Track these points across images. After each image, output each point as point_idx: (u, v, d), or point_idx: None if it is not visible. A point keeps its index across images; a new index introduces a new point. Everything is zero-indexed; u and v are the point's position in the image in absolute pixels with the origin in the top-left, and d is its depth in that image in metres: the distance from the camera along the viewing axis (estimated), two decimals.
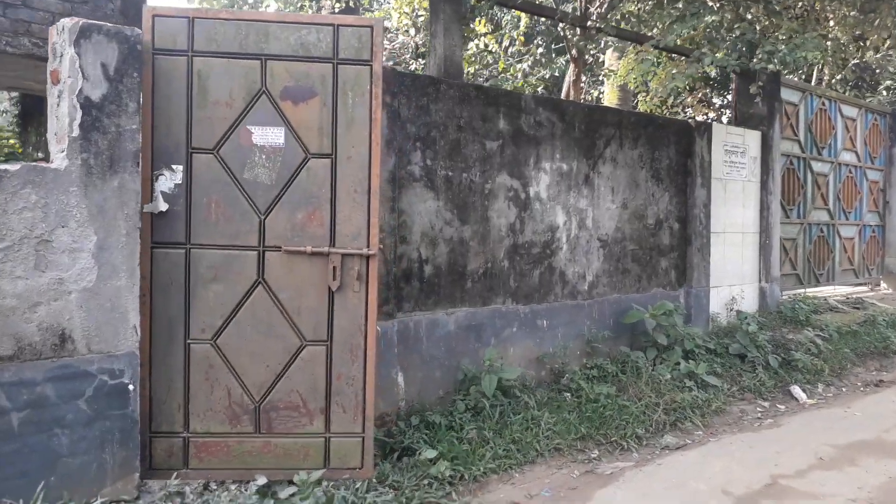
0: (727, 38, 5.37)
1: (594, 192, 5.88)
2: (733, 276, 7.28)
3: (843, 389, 6.28)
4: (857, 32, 6.93)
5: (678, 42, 5.53)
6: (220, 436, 3.57)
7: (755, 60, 5.31)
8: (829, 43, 6.89)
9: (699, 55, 5.27)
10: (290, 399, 3.60)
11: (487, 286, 5.10)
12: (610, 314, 6.04)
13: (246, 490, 3.50)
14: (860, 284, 10.59)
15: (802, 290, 9.02)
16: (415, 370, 4.63)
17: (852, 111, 10.06)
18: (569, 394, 5.21)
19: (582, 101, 9.87)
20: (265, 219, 3.57)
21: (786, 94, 8.60)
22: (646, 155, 6.33)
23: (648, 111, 9.04)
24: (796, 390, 5.99)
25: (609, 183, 6.01)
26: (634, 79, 8.04)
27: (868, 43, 6.89)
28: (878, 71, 12.33)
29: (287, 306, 3.58)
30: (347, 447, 3.64)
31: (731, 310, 7.20)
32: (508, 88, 9.23)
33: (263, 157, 3.56)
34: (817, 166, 9.26)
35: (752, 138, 7.54)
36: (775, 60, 5.29)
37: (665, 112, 9.20)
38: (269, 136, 3.56)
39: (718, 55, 5.30)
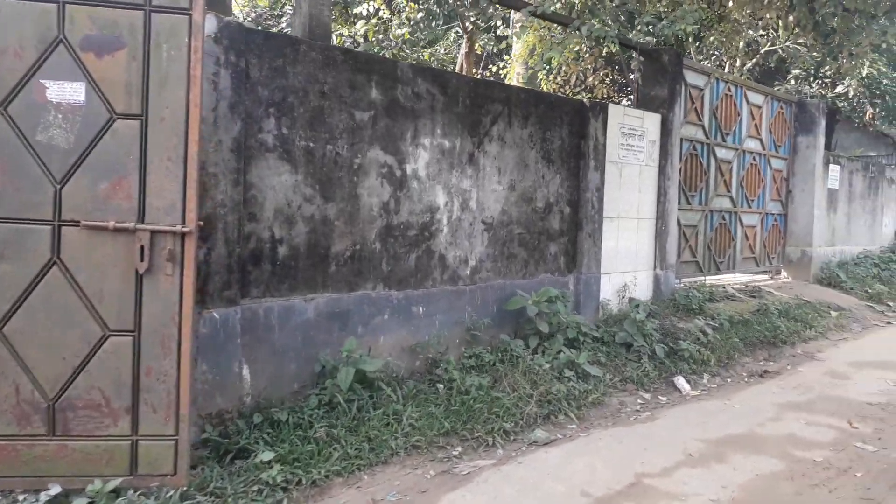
0: (608, 9, 5.10)
1: (479, 171, 5.56)
2: (627, 263, 7.11)
3: (728, 380, 6.19)
4: (749, 11, 6.80)
5: (557, 10, 5.22)
6: (6, 438, 3.09)
7: (633, 33, 5.05)
8: (727, 25, 6.75)
9: (577, 25, 4.96)
10: (90, 397, 3.13)
11: (355, 270, 4.72)
12: (493, 301, 5.75)
13: (35, 501, 3.03)
14: (762, 273, 10.69)
15: (702, 278, 9.00)
16: (264, 362, 4.21)
17: (758, 98, 10.07)
18: (442, 385, 4.89)
19: (480, 75, 9.55)
20: (62, 188, 3.07)
21: (691, 78, 8.49)
22: (536, 135, 6.04)
23: (552, 90, 8.74)
24: (680, 381, 5.86)
25: (496, 163, 5.70)
26: (536, 55, 7.77)
27: (760, 23, 6.76)
28: (787, 60, 12.47)
29: (87, 290, 3.10)
30: (158, 451, 3.21)
31: (624, 297, 7.04)
32: (414, 60, 8.82)
33: (60, 116, 3.06)
34: (721, 153, 9.22)
35: (652, 121, 7.37)
36: (656, 33, 5.03)
37: (569, 92, 8.95)
38: (66, 91, 3.06)
39: (596, 26, 5.02)
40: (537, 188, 6.09)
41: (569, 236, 6.46)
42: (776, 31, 7.02)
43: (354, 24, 7.94)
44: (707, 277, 9.12)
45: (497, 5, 5.52)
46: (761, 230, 10.27)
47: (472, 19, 6.77)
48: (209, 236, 3.81)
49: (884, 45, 7.82)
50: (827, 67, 11.83)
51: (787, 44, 9.98)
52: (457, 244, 5.42)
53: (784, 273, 10.95)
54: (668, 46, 7.45)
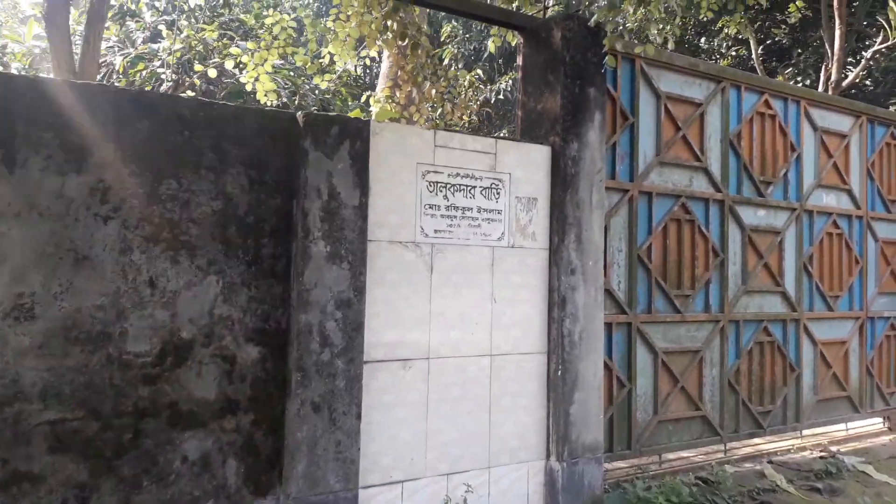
0: None
1: None
2: (459, 453, 3.36)
3: None
4: None
5: None
6: None
7: None
8: None
9: None
10: None
11: None
12: None
13: None
14: (877, 422, 6.15)
15: (721, 448, 4.87)
16: None
17: (840, 121, 5.90)
18: None
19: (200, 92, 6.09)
20: None
21: (668, 84, 4.71)
22: (123, 183, 2.66)
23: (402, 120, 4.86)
24: None
25: None
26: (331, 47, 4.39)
27: None
28: None
29: None
30: None
31: None
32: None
33: None
34: (755, 216, 5.18)
35: (522, 159, 3.67)
36: None
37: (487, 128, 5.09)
38: None
39: None
40: (118, 306, 2.66)
41: (255, 413, 2.90)
42: None
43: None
44: (730, 445, 4.95)
45: None
46: (861, 348, 5.87)
47: None
48: None
49: None
50: None
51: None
52: None
53: None
54: (573, 14, 3.84)
